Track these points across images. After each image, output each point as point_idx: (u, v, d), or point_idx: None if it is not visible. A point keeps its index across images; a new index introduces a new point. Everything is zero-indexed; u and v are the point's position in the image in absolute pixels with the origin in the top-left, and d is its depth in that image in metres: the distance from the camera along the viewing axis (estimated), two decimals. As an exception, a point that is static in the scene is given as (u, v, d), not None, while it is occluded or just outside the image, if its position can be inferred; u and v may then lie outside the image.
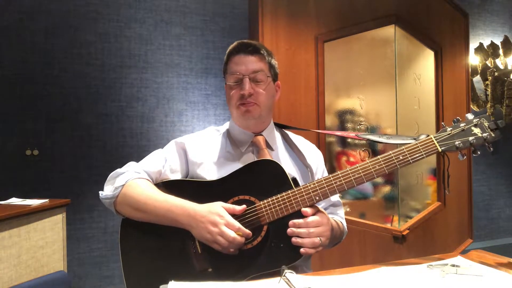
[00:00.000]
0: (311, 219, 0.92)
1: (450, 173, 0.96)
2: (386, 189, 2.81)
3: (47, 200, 2.23)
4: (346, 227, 1.23)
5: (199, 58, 3.29)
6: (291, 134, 1.27)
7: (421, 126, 2.91)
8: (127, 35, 3.12)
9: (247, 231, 0.92)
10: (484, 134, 0.89)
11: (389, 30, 2.79)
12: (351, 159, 2.74)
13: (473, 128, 0.91)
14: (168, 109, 3.20)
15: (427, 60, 3.00)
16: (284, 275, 0.74)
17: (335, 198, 1.23)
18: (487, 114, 0.93)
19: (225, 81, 1.18)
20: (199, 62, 3.29)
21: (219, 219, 0.92)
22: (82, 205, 2.97)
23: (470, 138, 0.90)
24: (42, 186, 2.87)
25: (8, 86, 2.85)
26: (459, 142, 0.90)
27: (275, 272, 0.83)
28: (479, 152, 0.91)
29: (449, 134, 0.92)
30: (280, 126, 1.27)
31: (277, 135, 1.24)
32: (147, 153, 1.21)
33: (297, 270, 1.00)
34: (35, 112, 2.89)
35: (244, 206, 0.96)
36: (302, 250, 0.89)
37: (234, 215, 0.95)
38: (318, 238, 0.91)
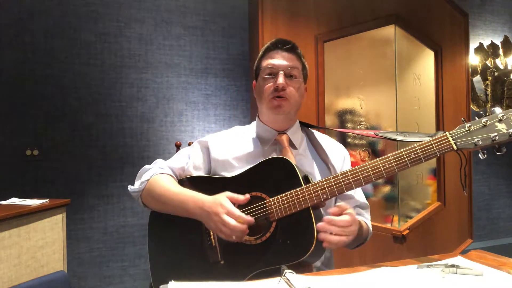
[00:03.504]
0: (342, 218, 0.92)
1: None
2: (386, 189, 2.81)
3: (47, 200, 2.23)
4: (371, 228, 1.22)
5: (199, 58, 3.29)
6: (317, 134, 1.27)
7: (421, 126, 2.91)
8: (127, 35, 3.12)
9: (248, 218, 0.93)
10: (510, 130, 0.81)
11: (389, 30, 2.79)
12: (351, 159, 2.74)
13: (497, 123, 0.82)
14: (168, 109, 3.20)
15: (427, 60, 3.00)
16: (284, 275, 0.74)
17: (362, 199, 1.22)
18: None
19: (255, 77, 1.21)
20: (199, 62, 3.29)
21: (220, 209, 0.94)
22: (82, 205, 2.97)
23: (492, 135, 0.81)
24: (42, 186, 2.87)
25: (8, 86, 2.85)
26: (478, 139, 0.82)
27: (276, 271, 0.84)
28: (504, 150, 0.83)
29: (468, 130, 0.84)
30: (306, 126, 1.28)
31: (302, 134, 1.25)
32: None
33: (311, 269, 1.01)
34: (35, 112, 2.89)
35: (247, 195, 0.98)
36: (325, 244, 0.90)
37: (244, 208, 0.98)
38: (345, 236, 0.92)
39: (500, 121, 0.82)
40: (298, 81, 1.15)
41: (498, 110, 0.84)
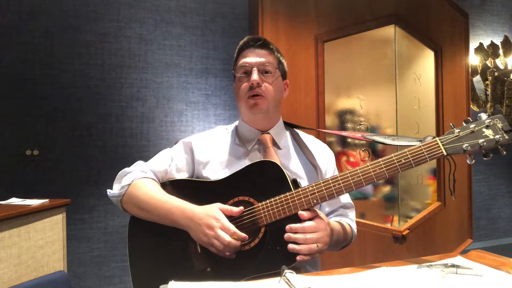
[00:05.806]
0: (308, 224, 0.91)
1: (454, 177, 0.91)
2: (386, 189, 2.81)
3: (47, 200, 2.23)
4: (355, 229, 1.20)
5: (199, 58, 3.29)
6: (302, 134, 1.25)
7: (421, 126, 2.91)
8: (127, 35, 3.12)
9: (243, 234, 0.91)
10: (497, 136, 0.81)
11: (389, 30, 2.79)
12: (351, 159, 2.74)
13: (484, 129, 0.83)
14: (168, 109, 3.20)
15: (427, 60, 3.00)
16: (284, 275, 0.74)
17: (346, 199, 1.20)
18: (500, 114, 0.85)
19: (234, 77, 1.19)
20: (199, 62, 3.29)
21: (215, 223, 0.91)
22: (82, 205, 2.97)
23: (480, 141, 0.82)
24: (42, 186, 2.87)
25: (8, 86, 2.85)
26: (467, 145, 0.83)
27: (273, 273, 0.83)
28: (491, 155, 0.83)
29: (457, 136, 0.84)
30: (290, 126, 1.26)
31: (286, 134, 1.23)
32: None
33: (299, 271, 1.00)
34: (35, 112, 2.89)
35: (241, 207, 0.95)
36: (298, 258, 0.88)
37: (232, 217, 0.95)
38: (315, 245, 0.90)
39: (487, 127, 0.83)
40: (273, 76, 1.13)
41: (484, 116, 0.85)
